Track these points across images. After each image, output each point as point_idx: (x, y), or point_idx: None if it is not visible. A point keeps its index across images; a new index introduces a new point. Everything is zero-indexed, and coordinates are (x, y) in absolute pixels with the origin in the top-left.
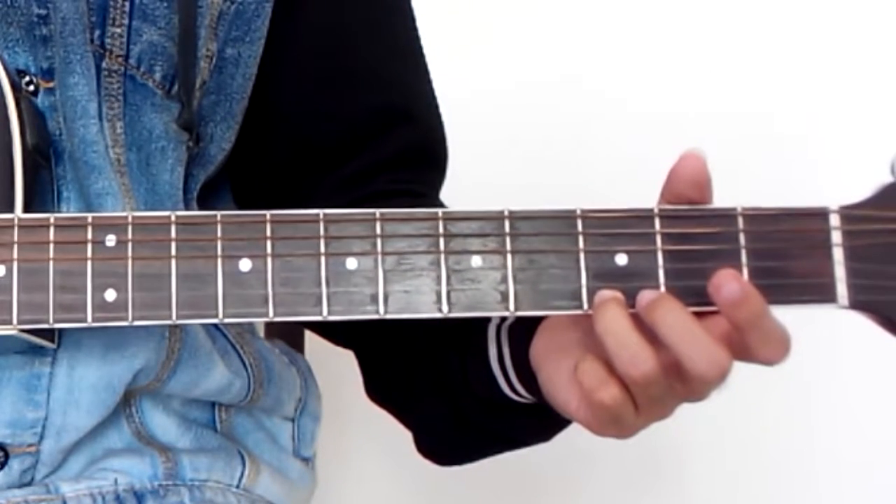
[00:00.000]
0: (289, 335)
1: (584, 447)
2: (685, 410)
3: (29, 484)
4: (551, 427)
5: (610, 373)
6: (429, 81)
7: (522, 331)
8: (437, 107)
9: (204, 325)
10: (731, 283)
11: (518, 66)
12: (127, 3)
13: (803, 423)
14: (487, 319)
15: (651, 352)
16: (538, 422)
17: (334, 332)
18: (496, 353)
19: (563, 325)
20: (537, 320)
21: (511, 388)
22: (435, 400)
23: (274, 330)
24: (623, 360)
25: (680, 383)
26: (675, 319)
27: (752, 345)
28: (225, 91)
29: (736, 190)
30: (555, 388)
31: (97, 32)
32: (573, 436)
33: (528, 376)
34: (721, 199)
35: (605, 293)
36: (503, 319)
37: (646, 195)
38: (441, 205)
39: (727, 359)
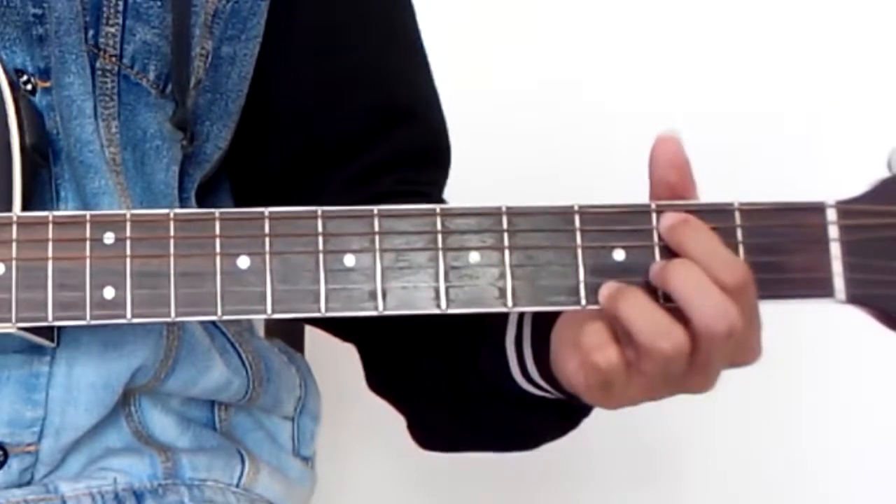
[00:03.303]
0: (288, 334)
1: (583, 446)
2: (681, 408)
3: (28, 483)
4: (545, 429)
5: (613, 338)
6: (430, 76)
7: (548, 315)
8: (438, 101)
9: (202, 324)
10: (670, 214)
11: (517, 63)
12: (120, 3)
13: (801, 420)
14: None
15: (681, 327)
16: (535, 418)
17: (336, 325)
18: (515, 334)
19: (588, 314)
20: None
21: (523, 372)
22: (437, 381)
23: (273, 329)
24: (654, 334)
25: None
26: (687, 274)
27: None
28: (220, 90)
29: (733, 186)
30: (560, 348)
31: (91, 32)
32: (573, 434)
33: (544, 359)
34: (718, 195)
35: (613, 284)
36: None
37: (643, 192)
38: (441, 202)
39: (735, 311)
